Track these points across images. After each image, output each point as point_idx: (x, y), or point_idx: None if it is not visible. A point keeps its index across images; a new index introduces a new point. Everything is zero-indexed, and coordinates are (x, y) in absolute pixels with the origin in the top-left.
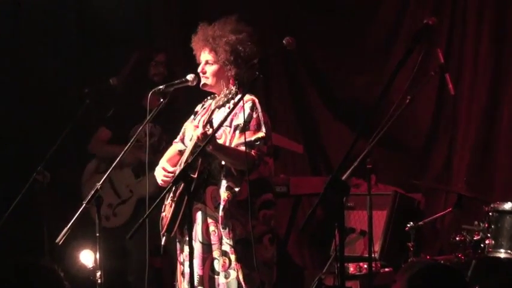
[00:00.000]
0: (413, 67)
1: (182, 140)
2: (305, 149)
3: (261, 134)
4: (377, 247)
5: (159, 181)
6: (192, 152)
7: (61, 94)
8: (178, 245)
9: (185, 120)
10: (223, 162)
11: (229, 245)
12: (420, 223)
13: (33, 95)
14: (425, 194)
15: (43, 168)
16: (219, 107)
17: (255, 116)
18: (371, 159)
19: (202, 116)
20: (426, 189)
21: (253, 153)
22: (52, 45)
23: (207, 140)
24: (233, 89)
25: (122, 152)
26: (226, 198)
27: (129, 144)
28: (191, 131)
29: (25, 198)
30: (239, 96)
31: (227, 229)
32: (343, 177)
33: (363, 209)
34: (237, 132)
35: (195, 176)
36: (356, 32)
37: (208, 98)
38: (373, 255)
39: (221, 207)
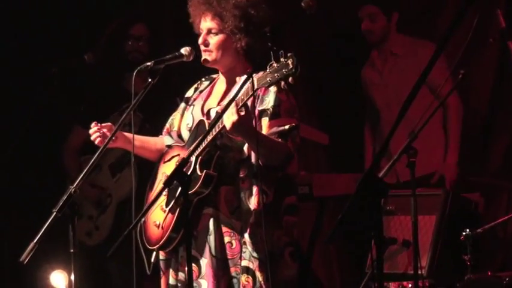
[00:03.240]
0: (466, 33)
1: (169, 133)
2: (331, 139)
3: (294, 122)
4: (424, 261)
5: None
6: (208, 144)
7: (25, 76)
8: (162, 264)
9: (172, 107)
10: (243, 157)
11: (258, 259)
12: (479, 230)
13: None
14: (484, 193)
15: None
16: (266, 86)
17: (284, 98)
18: (414, 150)
19: (204, 100)
20: (485, 187)
21: (289, 145)
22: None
23: (243, 128)
24: (289, 62)
25: (98, 151)
26: (260, 201)
27: (107, 140)
28: (190, 117)
29: None
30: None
31: (255, 239)
32: (381, 174)
33: (406, 213)
34: (266, 119)
35: (211, 171)
36: None
37: (203, 79)
38: (419, 272)
39: (254, 212)
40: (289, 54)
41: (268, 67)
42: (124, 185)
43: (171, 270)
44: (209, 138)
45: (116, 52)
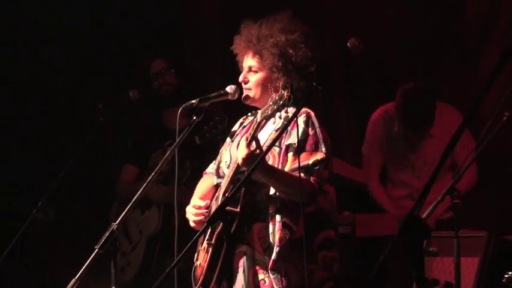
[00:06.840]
0: (509, 76)
1: (217, 171)
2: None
3: (320, 156)
4: None
5: (191, 223)
6: (232, 181)
7: (71, 109)
8: None
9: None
10: (271, 192)
11: None
12: None
13: (35, 108)
14: None
15: (45, 203)
16: (267, 118)
17: (311, 132)
18: (457, 192)
19: (243, 135)
20: None
21: (311, 180)
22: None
23: (254, 162)
24: (284, 93)
25: (141, 189)
26: (283, 237)
27: (149, 178)
28: (228, 155)
29: (22, 240)
30: (291, 110)
31: (278, 275)
32: (424, 215)
33: (449, 255)
34: (290, 154)
35: (238, 209)
36: (439, 32)
37: (249, 114)
38: None
39: (276, 249)
40: (287, 85)
41: (269, 99)
42: (151, 222)
43: None
44: (231, 175)
45: (147, 91)
